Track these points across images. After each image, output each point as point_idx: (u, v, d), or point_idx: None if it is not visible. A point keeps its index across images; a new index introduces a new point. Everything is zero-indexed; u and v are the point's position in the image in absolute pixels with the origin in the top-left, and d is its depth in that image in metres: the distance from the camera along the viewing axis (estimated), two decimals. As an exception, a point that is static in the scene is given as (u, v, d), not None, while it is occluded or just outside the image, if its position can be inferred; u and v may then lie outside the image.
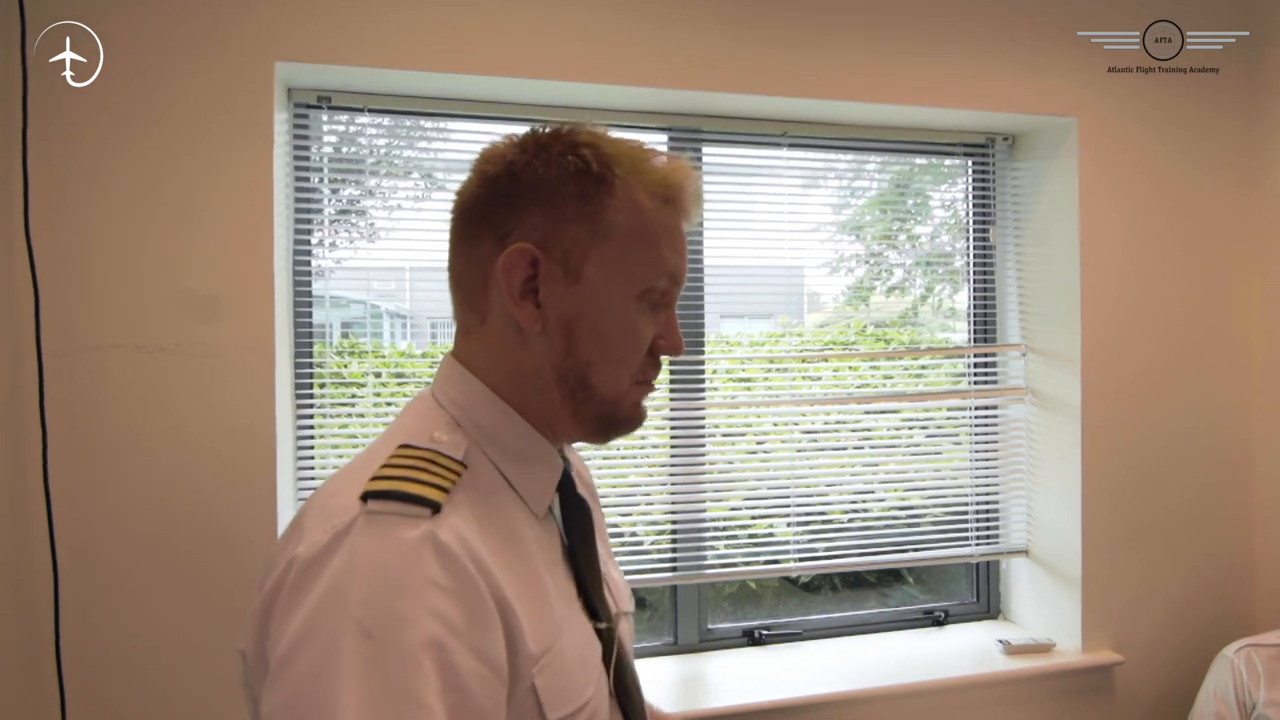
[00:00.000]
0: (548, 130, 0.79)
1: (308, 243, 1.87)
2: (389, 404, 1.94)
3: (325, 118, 1.90)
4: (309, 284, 1.87)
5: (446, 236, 0.83)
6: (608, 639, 0.81)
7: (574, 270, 0.76)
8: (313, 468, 1.85)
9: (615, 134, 0.81)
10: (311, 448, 1.85)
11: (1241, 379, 2.28)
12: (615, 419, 0.81)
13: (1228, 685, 1.95)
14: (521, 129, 0.82)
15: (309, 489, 1.84)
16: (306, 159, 1.86)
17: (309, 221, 1.87)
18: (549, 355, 0.77)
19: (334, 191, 1.95)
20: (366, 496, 0.66)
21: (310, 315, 1.88)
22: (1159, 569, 2.20)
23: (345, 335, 2.01)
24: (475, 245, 0.78)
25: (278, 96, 1.70)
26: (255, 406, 1.64)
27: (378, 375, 1.96)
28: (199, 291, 1.62)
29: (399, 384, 1.96)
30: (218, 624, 1.61)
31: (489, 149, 0.81)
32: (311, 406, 1.86)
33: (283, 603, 0.63)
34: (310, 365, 1.87)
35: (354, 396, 1.92)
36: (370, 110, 1.90)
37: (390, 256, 2.00)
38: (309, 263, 1.87)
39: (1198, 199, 2.23)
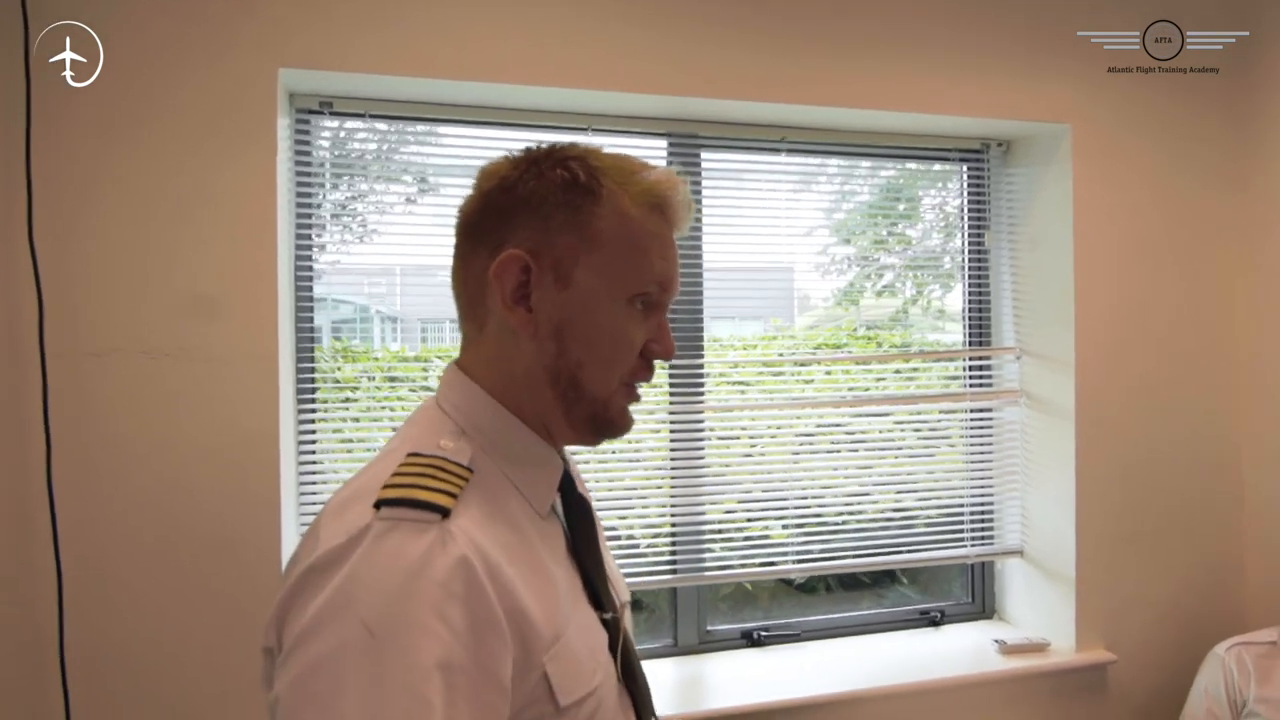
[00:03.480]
0: (543, 147, 0.84)
1: (308, 247, 1.87)
2: (384, 407, 1.94)
3: (326, 122, 1.90)
4: (310, 287, 1.88)
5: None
6: (613, 628, 0.85)
7: (564, 276, 0.80)
8: (314, 471, 1.85)
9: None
10: (313, 451, 1.86)
11: (1233, 383, 2.31)
12: (604, 419, 0.84)
13: (1219, 683, 1.98)
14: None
15: (310, 492, 1.84)
16: (308, 163, 1.86)
17: (309, 225, 1.87)
18: (541, 357, 0.81)
19: (334, 187, 1.96)
20: (379, 504, 0.69)
21: (311, 318, 1.88)
22: (1151, 569, 2.24)
23: (337, 337, 2.01)
24: (473, 258, 0.83)
25: (280, 102, 1.70)
26: (259, 410, 1.65)
27: (371, 378, 1.96)
28: (202, 295, 1.62)
29: (391, 386, 1.97)
30: (223, 626, 1.61)
31: (488, 166, 0.86)
32: (314, 410, 1.87)
33: (299, 600, 0.67)
34: (311, 368, 1.87)
35: (348, 400, 1.93)
36: (372, 116, 1.90)
37: (383, 255, 2.00)
38: (310, 266, 1.88)
39: (1190, 204, 2.26)
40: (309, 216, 1.87)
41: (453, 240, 0.87)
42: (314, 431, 1.86)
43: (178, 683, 1.60)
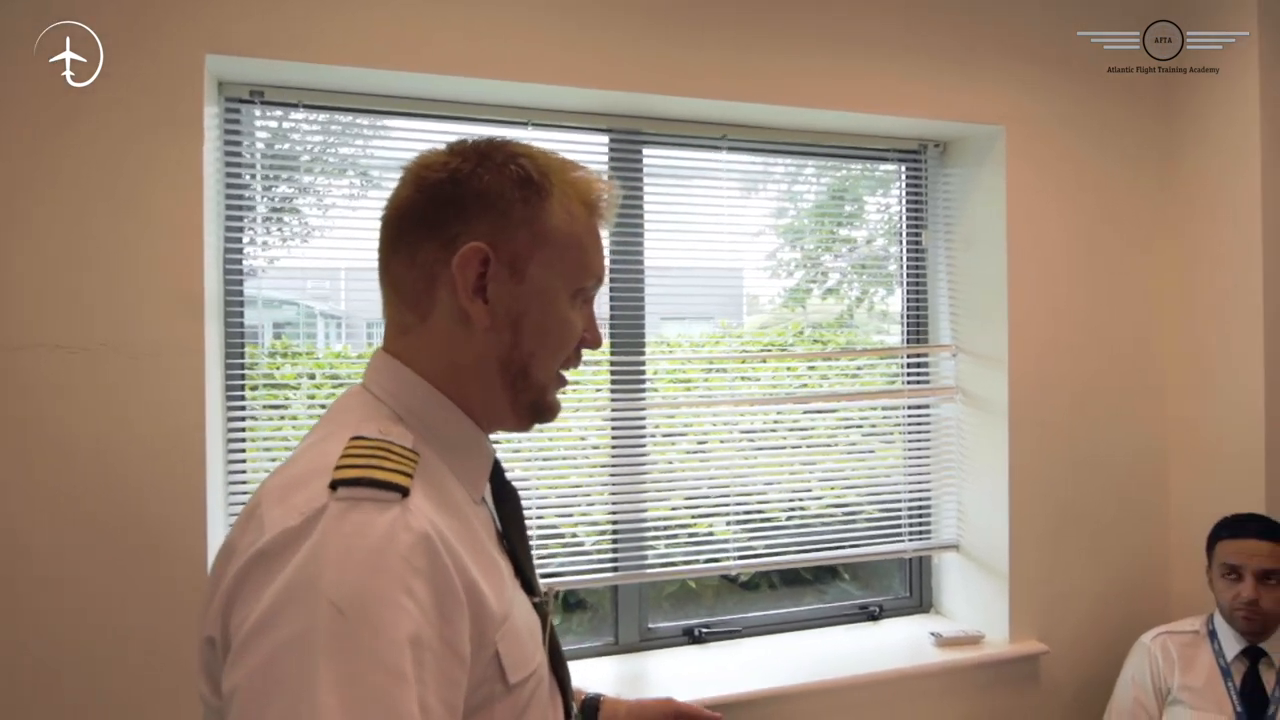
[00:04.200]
0: (482, 141, 0.85)
1: (239, 241, 1.82)
2: (323, 406, 1.90)
3: (258, 113, 1.85)
4: (240, 284, 1.83)
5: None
6: (542, 612, 0.87)
7: (519, 270, 0.81)
8: (244, 469, 1.80)
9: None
10: (243, 449, 1.81)
11: (1161, 382, 2.38)
12: (543, 405, 0.87)
13: (1144, 671, 2.03)
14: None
15: (239, 491, 1.79)
16: (238, 155, 1.81)
17: (240, 220, 1.82)
18: (495, 348, 0.82)
19: (267, 190, 1.91)
20: (336, 484, 0.68)
21: (242, 316, 1.83)
22: (1082, 563, 2.29)
23: (278, 337, 1.96)
24: (417, 249, 0.82)
25: (208, 90, 1.66)
26: (184, 407, 1.60)
27: (311, 377, 1.92)
28: (125, 290, 1.57)
29: (334, 386, 1.93)
30: (143, 624, 1.57)
31: (425, 156, 0.85)
32: (243, 408, 1.82)
33: (251, 585, 0.65)
34: (242, 367, 1.82)
35: (287, 399, 1.88)
36: (305, 106, 1.86)
37: (325, 256, 1.97)
38: (240, 262, 1.83)
39: (1123, 205, 2.32)
40: (239, 209, 1.82)
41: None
42: (244, 429, 1.81)
43: (97, 681, 1.55)
